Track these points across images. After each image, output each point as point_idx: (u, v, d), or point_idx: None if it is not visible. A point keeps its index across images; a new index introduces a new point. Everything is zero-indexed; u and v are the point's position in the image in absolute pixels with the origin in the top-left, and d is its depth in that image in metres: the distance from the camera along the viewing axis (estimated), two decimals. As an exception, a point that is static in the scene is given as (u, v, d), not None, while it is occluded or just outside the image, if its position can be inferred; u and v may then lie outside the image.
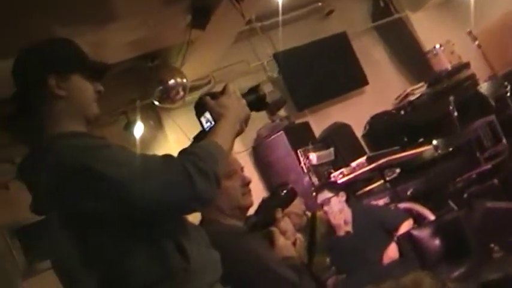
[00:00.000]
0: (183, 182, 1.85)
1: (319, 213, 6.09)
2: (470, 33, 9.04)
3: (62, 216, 1.94)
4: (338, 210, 5.34)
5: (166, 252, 1.91)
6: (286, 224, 2.67)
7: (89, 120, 2.10)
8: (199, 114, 2.23)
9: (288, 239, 2.61)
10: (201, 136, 2.15)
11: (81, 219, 1.89)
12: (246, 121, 2.24)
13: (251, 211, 2.71)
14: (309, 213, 6.09)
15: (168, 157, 1.93)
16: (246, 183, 2.71)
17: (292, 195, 2.78)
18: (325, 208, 5.38)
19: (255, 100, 2.35)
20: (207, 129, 2.18)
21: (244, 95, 2.30)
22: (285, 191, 2.75)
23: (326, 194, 5.45)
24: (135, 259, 1.88)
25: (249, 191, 2.72)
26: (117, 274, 1.89)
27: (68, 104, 2.04)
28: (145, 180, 1.83)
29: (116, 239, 1.89)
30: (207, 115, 2.19)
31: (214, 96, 2.22)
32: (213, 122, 2.16)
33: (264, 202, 2.73)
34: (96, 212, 1.85)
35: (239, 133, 2.21)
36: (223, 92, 2.23)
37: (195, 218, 2.44)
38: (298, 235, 5.26)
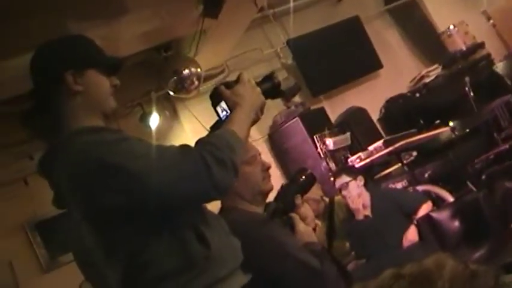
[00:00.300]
0: (201, 171, 1.87)
1: (337, 198, 6.09)
2: (484, 12, 8.97)
3: (82, 211, 1.96)
4: (356, 194, 5.33)
5: (187, 241, 1.93)
6: (306, 210, 2.67)
7: (106, 114, 2.13)
8: (214, 104, 2.25)
9: (308, 225, 2.61)
10: (218, 126, 2.17)
11: (101, 213, 1.91)
12: (261, 109, 2.26)
13: (270, 198, 2.71)
14: (326, 199, 6.10)
15: (185, 147, 1.95)
16: (266, 168, 2.72)
17: (311, 181, 2.78)
18: (344, 192, 5.36)
19: (270, 88, 2.36)
20: (223, 118, 2.19)
21: (259, 83, 2.31)
22: (303, 177, 2.75)
23: (344, 179, 5.44)
24: (156, 249, 1.91)
25: (269, 175, 2.73)
26: (139, 265, 1.91)
27: (85, 99, 2.08)
28: (163, 172, 1.85)
29: (136, 230, 1.91)
30: (223, 104, 2.21)
31: (229, 85, 2.24)
32: (228, 111, 2.18)
33: (283, 188, 2.73)
34: (115, 205, 1.87)
35: (255, 121, 2.23)
36: (237, 81, 2.25)
37: (214, 206, 2.45)
38: (317, 221, 5.28)
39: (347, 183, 5.38)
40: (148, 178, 1.84)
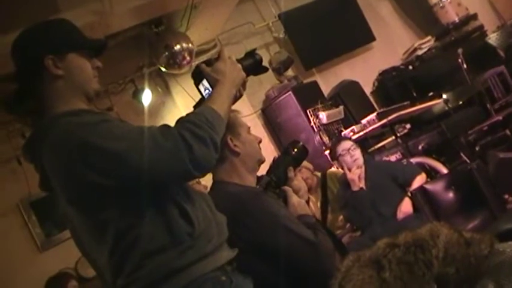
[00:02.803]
0: (181, 150, 1.88)
1: (329, 172, 6.10)
2: (477, -17, 8.94)
3: (66, 193, 1.98)
4: (361, 162, 5.28)
5: (171, 219, 1.95)
6: (299, 182, 2.67)
7: (89, 96, 2.14)
8: (197, 82, 2.27)
9: (301, 198, 2.61)
10: (201, 104, 2.17)
11: (84, 194, 1.93)
12: (243, 85, 2.27)
13: (262, 171, 2.71)
14: (318, 174, 6.11)
15: (165, 127, 1.96)
16: (258, 142, 2.72)
17: (303, 153, 2.77)
18: (345, 157, 5.29)
19: (252, 64, 2.38)
20: (206, 96, 2.20)
21: (240, 60, 2.33)
22: (296, 149, 2.74)
23: (347, 144, 5.38)
24: (140, 228, 1.92)
25: (260, 149, 2.74)
26: (125, 244, 1.92)
27: (67, 82, 2.09)
28: (144, 151, 1.87)
29: (120, 210, 1.93)
30: (205, 83, 2.22)
31: (209, 63, 2.24)
32: (210, 89, 2.19)
33: (275, 161, 2.72)
34: (98, 186, 1.89)
35: (237, 98, 2.25)
36: (218, 58, 2.25)
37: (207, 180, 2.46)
38: (310, 195, 5.28)
39: (352, 148, 5.32)
40: (129, 158, 1.86)
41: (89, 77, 2.13)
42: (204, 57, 7.41)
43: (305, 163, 5.74)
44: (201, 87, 2.24)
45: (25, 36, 2.13)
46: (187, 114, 2.04)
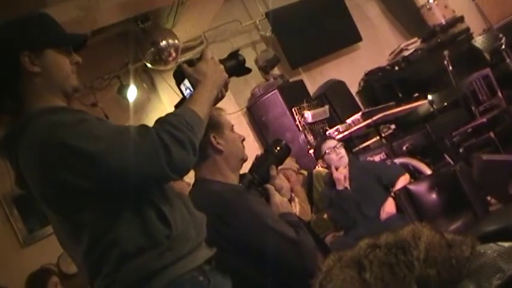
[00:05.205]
0: (158, 151, 1.86)
1: (315, 171, 6.11)
2: (464, -15, 8.97)
3: (41, 193, 1.95)
4: (347, 160, 5.30)
5: (148, 221, 1.92)
6: (281, 181, 2.67)
7: (67, 93, 2.09)
8: (178, 82, 2.24)
9: (283, 196, 2.61)
10: (182, 104, 2.15)
11: (60, 195, 1.91)
12: (225, 86, 2.24)
13: (244, 169, 2.70)
14: (304, 172, 6.11)
15: (143, 128, 1.93)
16: (241, 140, 2.71)
17: (286, 152, 2.77)
18: (331, 156, 5.30)
19: (235, 65, 2.36)
20: (187, 96, 2.18)
21: (223, 61, 2.31)
22: (278, 148, 2.74)
23: (332, 142, 5.41)
24: (118, 230, 1.90)
25: (243, 147, 2.73)
26: (102, 246, 1.90)
27: (44, 79, 2.04)
28: (122, 153, 1.84)
29: (97, 212, 1.91)
30: (186, 83, 2.20)
31: (191, 63, 2.22)
32: (192, 89, 2.16)
33: (258, 160, 2.72)
34: (75, 187, 1.86)
35: (219, 99, 2.22)
36: (200, 58, 2.23)
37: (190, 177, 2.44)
38: (292, 194, 5.27)
39: (337, 146, 5.34)
40: (106, 159, 1.83)
41: (67, 73, 2.08)
42: (190, 54, 7.41)
43: (290, 162, 5.74)
44: (183, 87, 2.21)
45: (1, 32, 2.06)
46: (166, 115, 2.00)
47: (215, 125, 2.55)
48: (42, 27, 2.09)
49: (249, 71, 2.44)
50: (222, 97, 2.23)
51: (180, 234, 1.95)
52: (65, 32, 2.14)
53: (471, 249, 1.26)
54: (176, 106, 2.20)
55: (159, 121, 1.97)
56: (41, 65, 2.02)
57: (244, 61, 2.40)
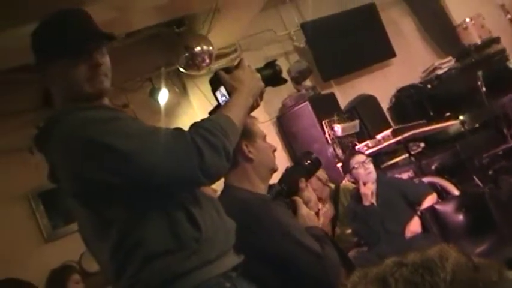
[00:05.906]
0: (192, 155, 1.85)
1: (342, 184, 6.08)
2: (502, 6, 8.88)
3: (72, 187, 1.96)
4: (375, 176, 5.29)
5: (178, 222, 1.92)
6: (309, 193, 2.66)
7: (88, 98, 2.04)
8: (214, 89, 2.24)
9: (311, 209, 2.60)
10: (217, 111, 2.15)
11: (90, 191, 1.91)
12: (260, 95, 2.25)
13: (274, 180, 2.70)
14: (332, 185, 6.08)
15: (178, 130, 1.93)
16: (273, 150, 2.71)
17: (316, 165, 2.77)
18: (359, 170, 5.30)
19: (271, 75, 2.36)
20: (223, 103, 2.18)
21: (260, 70, 2.31)
22: (309, 161, 2.74)
23: (361, 157, 5.40)
24: (145, 230, 1.90)
25: (274, 157, 2.73)
26: (128, 245, 1.90)
27: (62, 86, 2.09)
28: (154, 153, 1.84)
29: (125, 210, 1.91)
30: (222, 90, 2.20)
31: (228, 70, 2.22)
32: (227, 96, 2.17)
33: (287, 171, 2.72)
34: (105, 184, 1.86)
35: (254, 107, 2.22)
36: (237, 66, 2.23)
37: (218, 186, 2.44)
38: (320, 205, 5.26)
39: (366, 161, 5.33)
40: (138, 158, 1.82)
41: (79, 81, 2.02)
42: (223, 61, 7.42)
43: (320, 173, 5.72)
44: (218, 94, 2.22)
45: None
46: (202, 120, 2.00)
47: (248, 133, 2.56)
48: (53, 38, 2.04)
49: (285, 81, 2.44)
50: (257, 106, 2.24)
51: (208, 238, 1.94)
52: (81, 36, 2.05)
53: (498, 274, 1.25)
54: (211, 113, 2.20)
55: (194, 125, 1.96)
56: (51, 75, 2.07)
57: (280, 71, 2.41)
